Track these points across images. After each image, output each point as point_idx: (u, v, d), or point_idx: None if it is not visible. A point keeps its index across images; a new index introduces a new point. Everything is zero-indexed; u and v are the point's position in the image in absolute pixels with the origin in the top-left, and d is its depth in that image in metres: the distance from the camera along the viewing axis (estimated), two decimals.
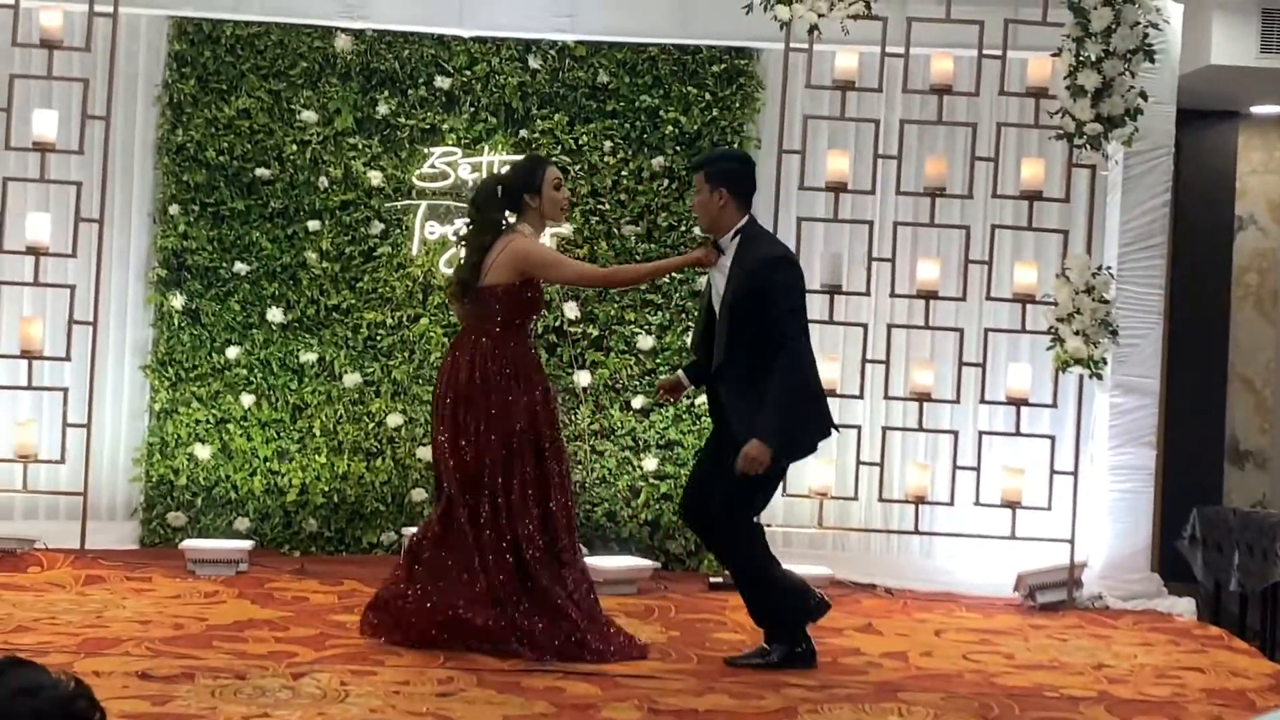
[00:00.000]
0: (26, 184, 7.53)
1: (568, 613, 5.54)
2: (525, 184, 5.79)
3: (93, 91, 7.52)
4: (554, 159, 7.87)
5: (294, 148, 7.87)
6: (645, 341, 7.89)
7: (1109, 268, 7.44)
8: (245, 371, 7.84)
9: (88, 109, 7.51)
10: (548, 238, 7.83)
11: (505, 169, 6.34)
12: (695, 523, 5.86)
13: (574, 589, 5.65)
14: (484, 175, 7.83)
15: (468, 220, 5.95)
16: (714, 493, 5.60)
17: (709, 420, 7.71)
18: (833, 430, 5.84)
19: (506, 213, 5.79)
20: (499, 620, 5.51)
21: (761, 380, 5.41)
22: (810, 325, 7.43)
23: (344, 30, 7.87)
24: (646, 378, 7.87)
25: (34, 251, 7.41)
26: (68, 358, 7.49)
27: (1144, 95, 7.22)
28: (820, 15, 7.30)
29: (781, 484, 6.22)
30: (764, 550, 5.66)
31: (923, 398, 7.61)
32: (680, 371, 6.04)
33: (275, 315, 7.84)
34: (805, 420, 5.59)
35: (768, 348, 5.42)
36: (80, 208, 7.53)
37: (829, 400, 7.42)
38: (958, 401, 7.67)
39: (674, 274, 7.75)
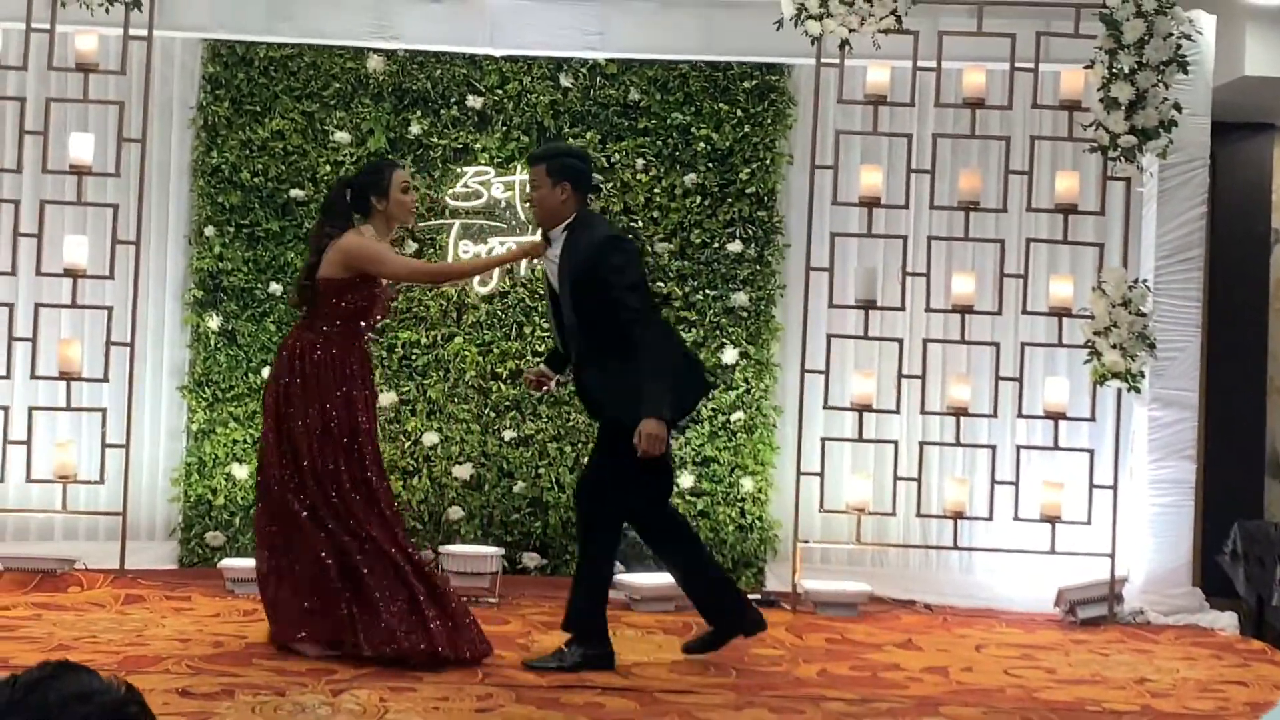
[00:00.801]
0: (64, 207, 7.60)
1: (386, 610, 5.52)
2: (373, 186, 5.83)
3: (128, 114, 7.57)
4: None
5: (328, 168, 7.90)
6: None
7: (1145, 280, 7.40)
8: None
9: (123, 132, 7.55)
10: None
11: (354, 172, 6.37)
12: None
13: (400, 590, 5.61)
14: (515, 194, 7.87)
15: (317, 222, 6.03)
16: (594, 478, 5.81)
17: (742, 435, 7.78)
18: (708, 390, 6.19)
19: (354, 215, 5.82)
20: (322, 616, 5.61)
21: (620, 359, 5.55)
22: (845, 340, 7.59)
23: (376, 51, 7.90)
24: None
25: (71, 274, 7.44)
26: (106, 379, 7.53)
27: (1178, 107, 7.19)
28: (851, 30, 7.29)
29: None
30: (614, 549, 5.87)
31: (960, 412, 7.57)
32: (542, 364, 6.21)
33: None
34: (686, 384, 5.75)
35: (617, 327, 5.56)
36: (117, 230, 7.56)
37: (862, 412, 7.53)
38: (995, 416, 7.64)
39: (705, 291, 7.80)
